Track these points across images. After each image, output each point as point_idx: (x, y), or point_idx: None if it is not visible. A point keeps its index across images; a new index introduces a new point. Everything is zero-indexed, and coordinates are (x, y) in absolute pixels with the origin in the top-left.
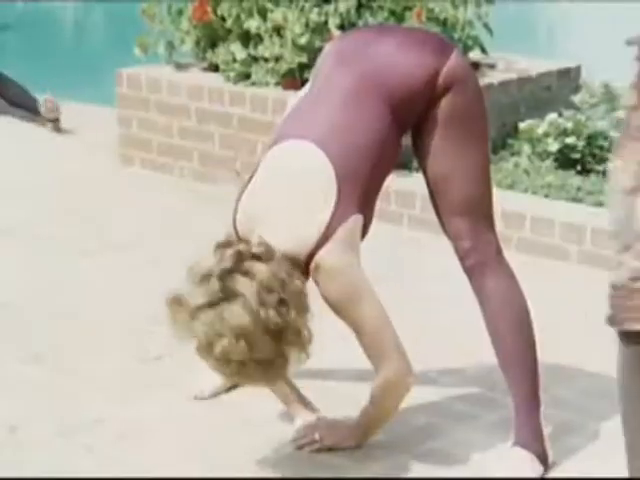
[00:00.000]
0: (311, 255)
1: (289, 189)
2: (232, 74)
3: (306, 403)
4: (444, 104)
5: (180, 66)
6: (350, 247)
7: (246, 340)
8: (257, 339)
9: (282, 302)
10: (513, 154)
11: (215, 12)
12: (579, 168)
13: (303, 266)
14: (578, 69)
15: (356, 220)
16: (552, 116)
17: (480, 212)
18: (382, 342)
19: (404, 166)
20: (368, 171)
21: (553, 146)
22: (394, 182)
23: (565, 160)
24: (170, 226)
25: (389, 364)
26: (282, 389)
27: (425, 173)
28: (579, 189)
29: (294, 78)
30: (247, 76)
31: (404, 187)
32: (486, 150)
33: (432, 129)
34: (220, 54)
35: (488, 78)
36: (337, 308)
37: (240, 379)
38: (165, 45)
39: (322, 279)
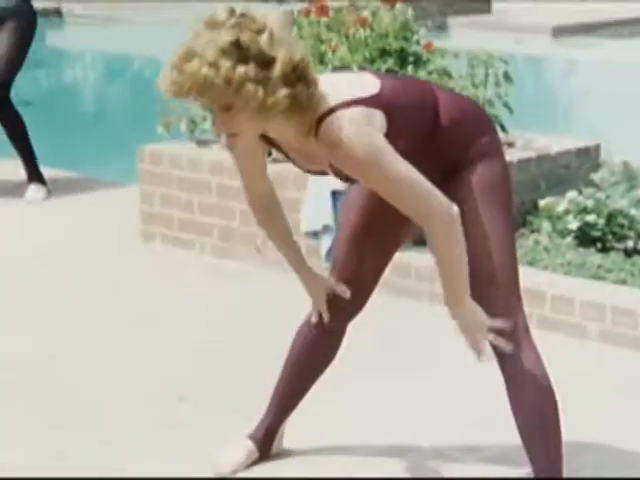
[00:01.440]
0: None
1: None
2: None
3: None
4: (477, 173)
5: (201, 142)
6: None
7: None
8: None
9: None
10: (533, 231)
11: None
12: (599, 246)
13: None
14: (597, 147)
15: (382, 119)
16: (572, 194)
17: (511, 285)
18: (422, 193)
19: (424, 242)
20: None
21: (573, 224)
22: (414, 258)
23: (585, 238)
24: (187, 302)
25: (438, 209)
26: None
27: None
28: (599, 267)
29: None
30: (269, 154)
31: (425, 262)
32: (512, 225)
33: (465, 196)
34: None
35: (508, 156)
36: (366, 168)
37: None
38: (187, 123)
39: (345, 135)
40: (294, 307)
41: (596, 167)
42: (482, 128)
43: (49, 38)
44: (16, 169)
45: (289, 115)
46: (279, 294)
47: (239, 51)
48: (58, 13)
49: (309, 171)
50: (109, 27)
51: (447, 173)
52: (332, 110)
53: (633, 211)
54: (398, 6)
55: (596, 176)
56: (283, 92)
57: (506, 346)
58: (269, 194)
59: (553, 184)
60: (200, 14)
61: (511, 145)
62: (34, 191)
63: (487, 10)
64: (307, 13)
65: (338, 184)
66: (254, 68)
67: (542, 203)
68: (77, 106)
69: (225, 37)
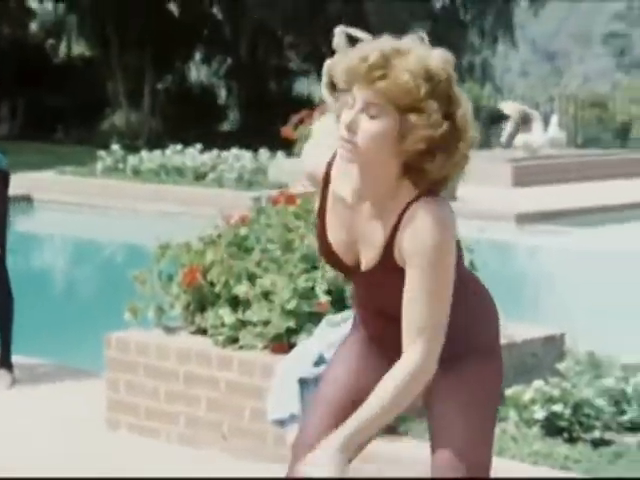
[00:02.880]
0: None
1: None
2: (220, 338)
3: None
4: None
5: (169, 330)
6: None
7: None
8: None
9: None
10: (500, 420)
11: (205, 277)
12: (566, 436)
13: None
14: (562, 336)
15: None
16: (538, 383)
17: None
18: (434, 320)
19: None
20: None
21: (539, 413)
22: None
23: (552, 428)
24: None
25: (430, 343)
26: None
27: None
28: (566, 458)
29: (282, 343)
30: (235, 340)
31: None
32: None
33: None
34: (209, 318)
35: None
36: (427, 253)
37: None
38: (155, 309)
39: (437, 217)
40: None
41: (561, 356)
42: (493, 324)
43: (18, 224)
44: None
45: (417, 162)
46: None
47: (437, 85)
48: (28, 199)
49: (331, 259)
50: (79, 214)
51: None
52: (434, 193)
53: (598, 401)
54: None
55: (562, 365)
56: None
57: None
58: None
59: (519, 372)
60: (163, 206)
61: None
62: (1, 377)
63: (452, 197)
64: (275, 201)
65: (306, 371)
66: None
67: (509, 392)
68: (46, 292)
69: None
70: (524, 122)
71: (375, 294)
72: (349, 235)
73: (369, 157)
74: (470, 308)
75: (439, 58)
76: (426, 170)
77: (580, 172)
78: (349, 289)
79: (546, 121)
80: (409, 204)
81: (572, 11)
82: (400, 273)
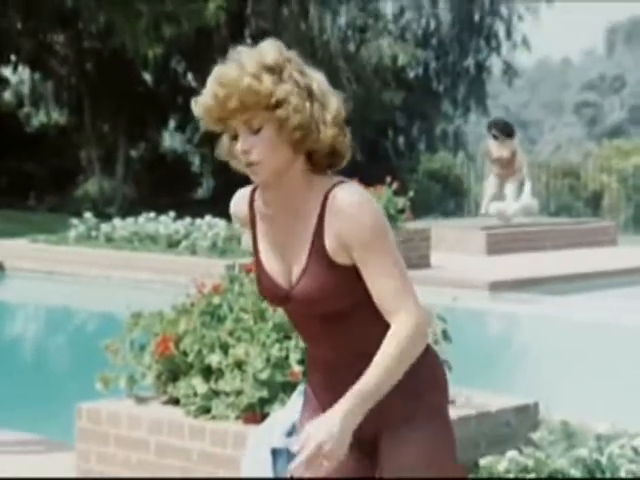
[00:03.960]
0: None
1: None
2: (193, 408)
3: None
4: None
5: (140, 399)
6: None
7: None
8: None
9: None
10: None
11: (177, 347)
12: None
13: None
14: (536, 406)
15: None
16: (512, 453)
17: None
18: (407, 285)
19: None
20: None
21: None
22: None
23: None
24: None
25: (414, 309)
26: None
27: None
28: None
29: (255, 413)
30: (207, 410)
31: None
32: None
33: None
34: (181, 388)
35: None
36: (370, 239)
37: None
38: (126, 380)
39: (359, 202)
40: None
41: (535, 425)
42: (444, 391)
43: None
44: None
45: (317, 154)
46: None
47: (280, 73)
48: (0, 268)
49: (271, 292)
50: (51, 282)
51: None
52: (342, 181)
53: (573, 471)
54: None
55: (535, 435)
56: (330, 121)
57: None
58: None
59: (493, 442)
60: (136, 274)
61: (451, 402)
62: None
63: (427, 264)
64: (248, 269)
65: (278, 442)
66: (298, 91)
67: (482, 462)
68: (17, 361)
69: (270, 57)
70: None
71: (317, 306)
72: (282, 257)
73: (272, 166)
74: (422, 375)
75: (269, 48)
76: (316, 150)
77: (553, 240)
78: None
79: (519, 189)
80: (327, 193)
81: (544, 80)
82: (335, 270)
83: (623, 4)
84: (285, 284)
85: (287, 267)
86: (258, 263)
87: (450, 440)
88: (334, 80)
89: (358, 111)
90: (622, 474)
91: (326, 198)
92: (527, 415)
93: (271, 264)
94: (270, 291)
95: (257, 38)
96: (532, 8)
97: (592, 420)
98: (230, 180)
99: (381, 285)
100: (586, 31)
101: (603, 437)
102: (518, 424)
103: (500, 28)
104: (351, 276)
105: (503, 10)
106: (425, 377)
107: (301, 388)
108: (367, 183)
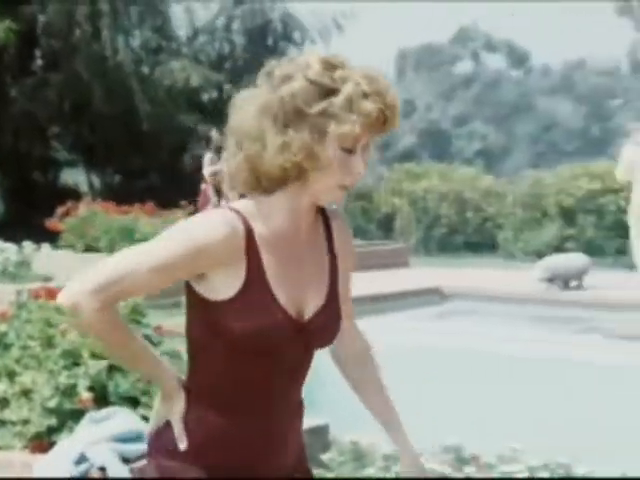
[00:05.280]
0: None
1: None
2: None
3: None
4: None
5: None
6: None
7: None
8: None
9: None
10: None
11: None
12: None
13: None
14: (327, 427)
15: None
16: None
17: None
18: None
19: None
20: None
21: None
22: None
23: None
24: None
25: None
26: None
27: None
28: None
29: (42, 441)
30: None
31: None
32: None
33: None
34: None
35: None
36: (353, 267)
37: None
38: None
39: (348, 232)
40: None
41: (326, 446)
42: None
43: None
44: None
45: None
46: None
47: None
48: None
49: (281, 325)
50: None
51: None
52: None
53: None
54: None
55: (325, 456)
56: None
57: None
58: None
59: None
60: None
61: None
62: None
63: None
64: (37, 296)
65: (66, 470)
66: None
67: None
68: None
69: None
70: None
71: (331, 336)
72: (295, 288)
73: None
74: None
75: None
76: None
77: None
78: (112, 385)
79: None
80: (322, 214)
81: None
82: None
83: (412, 31)
84: (298, 316)
85: (300, 297)
86: (269, 296)
87: None
88: (128, 102)
89: (152, 133)
90: None
91: (326, 218)
92: (319, 436)
93: (285, 297)
94: (282, 324)
95: (48, 57)
96: (324, 34)
97: (380, 440)
98: (20, 204)
99: (348, 302)
100: (377, 57)
101: (390, 457)
102: (310, 446)
103: (293, 53)
104: None
105: (296, 35)
106: None
107: (94, 414)
108: (163, 205)
